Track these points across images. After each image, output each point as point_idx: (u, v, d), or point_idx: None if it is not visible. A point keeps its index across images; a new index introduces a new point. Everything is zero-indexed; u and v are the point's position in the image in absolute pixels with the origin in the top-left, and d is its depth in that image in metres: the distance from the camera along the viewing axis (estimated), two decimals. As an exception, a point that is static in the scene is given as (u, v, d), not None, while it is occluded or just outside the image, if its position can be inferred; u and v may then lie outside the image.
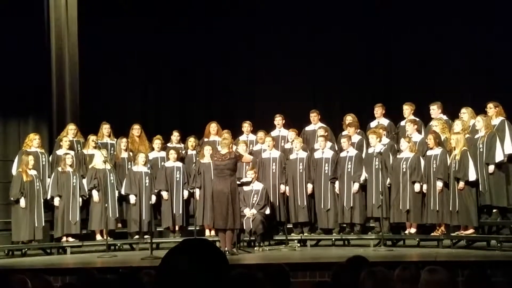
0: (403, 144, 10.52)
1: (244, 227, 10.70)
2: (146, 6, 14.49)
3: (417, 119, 11.21)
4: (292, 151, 11.61)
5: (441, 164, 9.99)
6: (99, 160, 11.29)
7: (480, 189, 9.80)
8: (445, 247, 9.93)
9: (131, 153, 11.88)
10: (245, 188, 11.02)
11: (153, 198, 11.51)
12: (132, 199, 11.44)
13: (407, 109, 11.22)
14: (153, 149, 12.00)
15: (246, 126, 12.27)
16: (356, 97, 13.92)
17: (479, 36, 13.11)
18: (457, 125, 10.18)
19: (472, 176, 9.67)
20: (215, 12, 14.77)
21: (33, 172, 10.96)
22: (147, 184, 11.44)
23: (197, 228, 11.33)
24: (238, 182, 10.32)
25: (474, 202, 9.72)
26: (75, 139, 11.87)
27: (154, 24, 14.53)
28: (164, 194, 11.58)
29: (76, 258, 10.59)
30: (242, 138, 12.03)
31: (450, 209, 9.82)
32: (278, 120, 12.16)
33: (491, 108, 10.20)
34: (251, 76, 14.94)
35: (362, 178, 10.92)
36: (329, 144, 11.45)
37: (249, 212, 10.89)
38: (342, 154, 11.20)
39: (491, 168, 9.76)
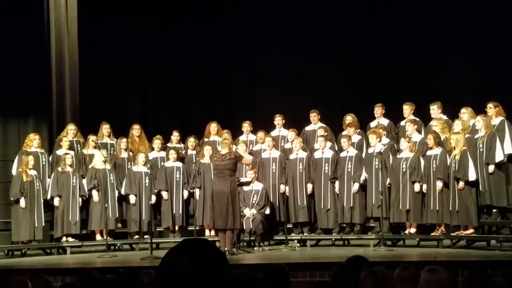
0: (403, 144, 10.52)
1: (244, 227, 10.70)
2: (146, 7, 14.50)
3: (417, 119, 11.21)
4: (292, 151, 11.61)
5: (441, 164, 9.99)
6: (99, 160, 11.30)
7: (480, 189, 9.81)
8: (445, 247, 9.93)
9: (131, 153, 11.88)
10: (245, 188, 11.02)
11: (153, 198, 11.51)
12: (132, 199, 11.44)
13: (407, 109, 11.22)
14: (153, 149, 12.00)
15: (246, 126, 12.28)
16: (356, 97, 13.91)
17: (479, 36, 13.11)
18: (457, 125, 10.18)
19: (472, 176, 9.67)
20: (215, 13, 14.77)
21: (33, 172, 10.97)
22: (147, 184, 11.44)
23: (197, 228, 11.33)
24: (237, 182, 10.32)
25: (474, 202, 9.72)
26: (75, 139, 11.88)
27: (154, 24, 14.53)
28: (164, 194, 11.58)
29: (76, 258, 10.59)
30: (242, 138, 12.03)
31: (450, 209, 9.82)
32: (278, 120, 12.16)
33: (491, 108, 10.20)
34: (251, 77, 14.94)
35: (362, 178, 10.92)
36: (329, 144, 11.46)
37: (249, 212, 10.89)
38: (342, 154, 11.20)
39: (491, 168, 9.76)
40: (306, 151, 11.61)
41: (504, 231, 10.00)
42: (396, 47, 13.97)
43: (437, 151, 10.12)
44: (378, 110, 11.69)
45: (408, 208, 10.31)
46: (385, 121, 11.63)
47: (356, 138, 11.46)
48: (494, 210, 9.84)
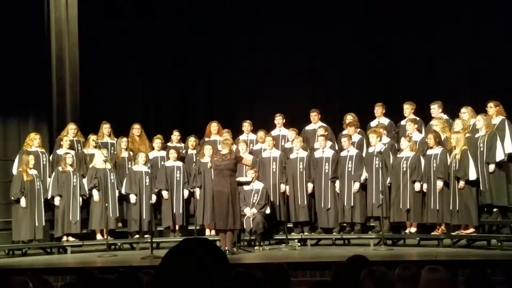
0: (404, 143, 10.52)
1: (245, 227, 10.70)
2: (146, 7, 14.50)
3: (418, 118, 11.21)
4: (292, 150, 11.61)
5: (441, 163, 9.99)
6: (99, 160, 11.30)
7: (481, 188, 9.80)
8: (445, 247, 9.94)
9: (131, 153, 11.88)
10: (246, 187, 11.02)
11: (153, 197, 11.51)
12: (133, 198, 11.44)
13: (408, 108, 11.21)
14: (153, 148, 12.00)
15: (246, 125, 12.28)
16: (356, 96, 13.90)
17: (479, 36, 13.10)
18: (457, 124, 10.18)
19: (472, 175, 9.67)
20: (215, 13, 14.77)
21: (34, 172, 10.97)
22: (147, 184, 11.44)
23: (197, 227, 11.34)
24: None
25: (475, 201, 9.73)
26: (76, 139, 11.88)
27: (154, 24, 14.54)
28: (164, 194, 11.58)
29: (76, 258, 10.59)
30: (242, 137, 12.03)
31: (451, 208, 9.82)
32: (278, 119, 12.16)
33: (491, 107, 10.19)
34: (251, 76, 14.94)
35: (363, 177, 10.92)
36: (329, 143, 11.45)
37: (249, 211, 10.89)
38: (343, 154, 11.20)
39: (492, 167, 9.76)
40: (307, 150, 11.61)
41: (504, 230, 9.99)
42: (397, 46, 13.96)
43: (437, 150, 10.12)
44: (379, 110, 11.68)
45: (408, 207, 10.31)
46: (385, 121, 11.62)
47: (356, 137, 11.46)
48: (494, 210, 9.84)
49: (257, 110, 14.30)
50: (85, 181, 11.34)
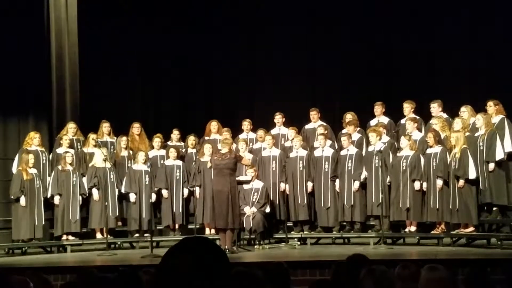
0: (403, 142, 10.52)
1: (244, 225, 10.70)
2: (146, 6, 14.50)
3: (417, 117, 11.21)
4: (292, 149, 11.61)
5: (441, 162, 9.99)
6: (99, 159, 11.30)
7: (480, 187, 9.80)
8: (445, 245, 9.93)
9: (131, 152, 11.88)
10: (245, 186, 11.03)
11: (153, 196, 11.51)
12: (132, 197, 11.44)
13: (407, 107, 11.21)
14: (153, 147, 12.00)
15: (246, 124, 12.28)
16: (356, 95, 13.90)
17: (479, 35, 13.10)
18: (457, 123, 10.17)
19: (472, 174, 9.67)
20: (215, 12, 14.77)
21: (33, 171, 10.97)
22: (147, 183, 11.44)
23: (197, 226, 11.35)
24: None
25: (474, 200, 9.72)
26: (75, 138, 11.88)
27: (154, 24, 14.54)
28: (164, 193, 11.58)
29: (76, 257, 10.59)
30: (242, 136, 12.04)
31: (450, 207, 9.82)
32: (278, 118, 12.16)
33: (491, 106, 10.19)
34: (251, 75, 14.94)
35: (362, 176, 10.92)
36: (329, 142, 11.45)
37: (249, 210, 10.88)
38: (342, 152, 11.20)
39: (491, 166, 9.76)
40: (306, 149, 11.61)
41: (504, 229, 9.98)
42: (396, 45, 13.96)
43: (437, 149, 10.12)
44: (378, 108, 11.68)
45: (408, 206, 10.31)
46: (385, 119, 11.62)
47: (356, 136, 11.46)
48: (494, 208, 9.84)
49: (257, 109, 14.31)
50: (84, 180, 11.34)
